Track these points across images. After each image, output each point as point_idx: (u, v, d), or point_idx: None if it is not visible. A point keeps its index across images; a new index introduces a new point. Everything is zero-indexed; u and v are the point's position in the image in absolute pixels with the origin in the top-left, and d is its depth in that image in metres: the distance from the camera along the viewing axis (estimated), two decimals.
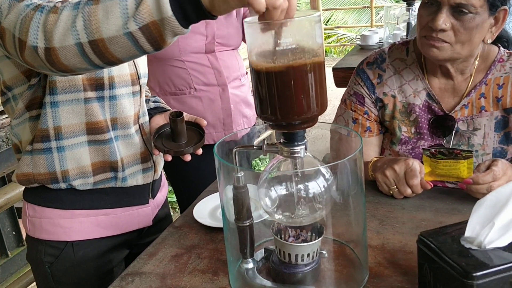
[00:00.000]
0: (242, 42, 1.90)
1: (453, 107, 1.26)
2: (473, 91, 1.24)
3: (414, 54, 1.30)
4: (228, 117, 1.81)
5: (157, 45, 0.78)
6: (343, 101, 1.38)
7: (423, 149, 1.18)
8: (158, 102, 1.31)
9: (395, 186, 1.13)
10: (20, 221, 2.89)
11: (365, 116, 1.34)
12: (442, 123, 1.26)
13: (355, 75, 1.36)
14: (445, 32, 1.12)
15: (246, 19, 0.75)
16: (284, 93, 0.74)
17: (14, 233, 2.87)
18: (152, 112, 1.25)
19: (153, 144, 1.15)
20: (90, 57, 0.80)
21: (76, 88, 1.02)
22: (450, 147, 1.25)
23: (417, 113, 1.28)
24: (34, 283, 2.51)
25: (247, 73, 1.96)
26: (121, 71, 1.09)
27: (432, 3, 1.13)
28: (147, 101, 1.29)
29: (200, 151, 1.17)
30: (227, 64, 1.81)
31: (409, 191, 1.12)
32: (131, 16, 0.74)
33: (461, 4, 1.09)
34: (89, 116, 1.05)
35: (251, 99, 1.94)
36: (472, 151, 1.10)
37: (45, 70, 0.86)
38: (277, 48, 0.72)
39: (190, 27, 0.77)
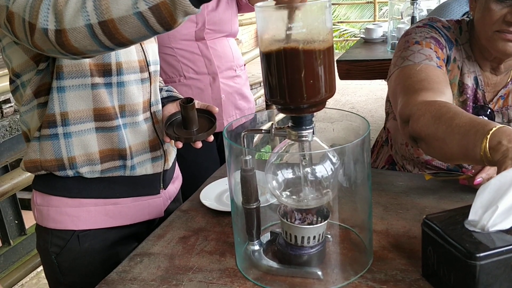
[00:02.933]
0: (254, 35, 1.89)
1: (491, 99, 1.27)
2: (510, 82, 1.25)
3: (467, 34, 1.26)
4: (218, 107, 1.76)
5: (168, 25, 0.78)
6: (416, 42, 1.23)
7: (425, 174, 1.13)
8: (171, 91, 1.29)
9: None
10: (23, 212, 2.91)
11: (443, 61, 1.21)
12: (482, 114, 1.23)
13: (428, 27, 1.24)
14: None
15: (258, 4, 0.76)
16: (293, 77, 0.75)
17: (16, 221, 2.89)
18: (165, 101, 1.23)
19: (164, 131, 1.13)
20: (100, 38, 0.79)
21: (83, 73, 1.01)
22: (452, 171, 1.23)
23: (467, 95, 1.25)
24: (36, 271, 2.53)
25: (245, 65, 1.96)
26: (129, 58, 1.07)
27: None
28: (160, 90, 1.26)
29: (211, 138, 1.15)
30: (218, 53, 1.80)
31: None
32: None
33: None
34: (97, 102, 1.03)
35: (247, 91, 1.94)
36: (472, 176, 1.05)
37: (55, 54, 0.85)
38: (287, 32, 0.73)
39: (201, 7, 0.77)
